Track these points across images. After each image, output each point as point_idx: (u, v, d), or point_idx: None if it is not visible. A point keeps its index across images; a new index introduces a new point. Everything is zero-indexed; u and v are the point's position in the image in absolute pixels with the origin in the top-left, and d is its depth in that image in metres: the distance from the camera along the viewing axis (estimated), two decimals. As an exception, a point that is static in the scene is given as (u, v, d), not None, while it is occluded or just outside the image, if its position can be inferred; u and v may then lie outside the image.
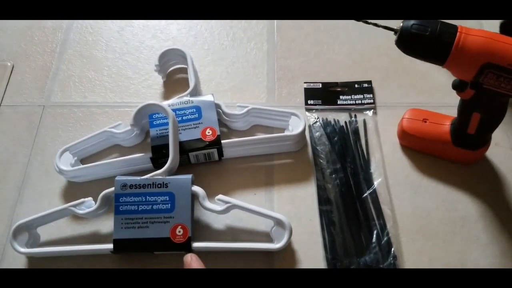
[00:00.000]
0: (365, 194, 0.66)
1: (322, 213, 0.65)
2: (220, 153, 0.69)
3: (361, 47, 0.82)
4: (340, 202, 0.66)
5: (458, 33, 0.53)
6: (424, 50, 0.54)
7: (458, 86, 0.58)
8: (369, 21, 0.57)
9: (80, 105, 0.77)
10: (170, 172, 0.64)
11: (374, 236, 0.63)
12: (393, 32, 0.56)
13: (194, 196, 0.63)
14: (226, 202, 0.61)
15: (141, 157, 0.68)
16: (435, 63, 0.55)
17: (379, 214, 0.65)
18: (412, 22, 0.54)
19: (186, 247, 0.60)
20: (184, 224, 0.60)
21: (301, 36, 0.84)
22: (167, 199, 0.61)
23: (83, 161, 0.72)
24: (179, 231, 0.60)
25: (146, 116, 0.69)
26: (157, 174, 0.62)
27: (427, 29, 0.53)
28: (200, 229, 0.65)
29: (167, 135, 0.66)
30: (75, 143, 0.70)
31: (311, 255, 0.63)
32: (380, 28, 0.57)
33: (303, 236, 0.64)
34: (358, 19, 0.58)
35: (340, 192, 0.66)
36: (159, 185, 0.61)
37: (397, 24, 0.55)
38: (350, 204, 0.65)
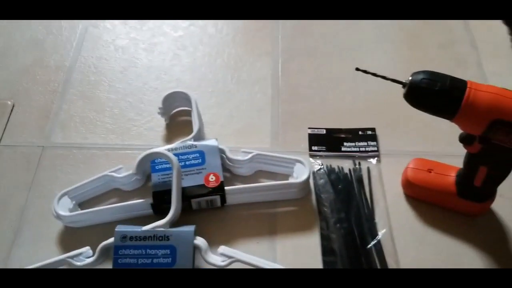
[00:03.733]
0: (370, 245, 0.65)
1: (326, 265, 0.64)
2: (223, 200, 0.68)
3: (365, 94, 0.82)
4: (344, 253, 0.64)
5: (467, 89, 0.52)
6: (433, 105, 0.54)
7: (465, 140, 0.58)
8: (377, 74, 0.57)
9: (80, 147, 0.76)
10: (172, 223, 0.62)
11: (380, 290, 0.61)
12: (401, 86, 0.55)
13: (196, 249, 0.61)
14: (229, 257, 0.60)
15: (142, 203, 0.66)
16: (444, 117, 0.55)
17: (384, 266, 0.63)
18: (421, 76, 0.54)
19: None
20: None
21: (305, 81, 0.84)
22: (168, 252, 0.59)
23: (81, 205, 0.70)
24: None
25: (148, 164, 0.68)
26: (159, 226, 0.61)
27: (436, 84, 0.53)
28: None
29: (169, 181, 0.65)
30: (74, 187, 0.69)
31: (315, 308, 0.61)
32: (388, 81, 0.57)
33: (306, 288, 0.62)
34: (366, 72, 0.58)
35: (344, 243, 0.65)
36: (160, 238, 0.60)
37: (402, 70, 0.55)
38: (354, 256, 0.64)
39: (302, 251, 0.66)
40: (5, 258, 0.66)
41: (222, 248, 0.61)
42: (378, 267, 0.63)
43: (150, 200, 0.66)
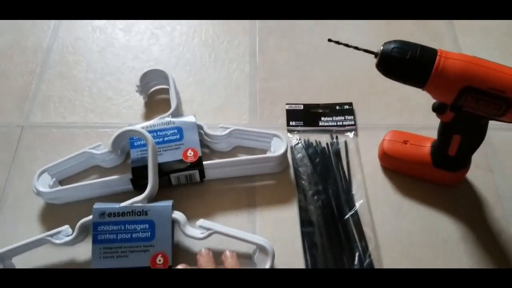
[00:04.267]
0: (347, 216, 0.66)
1: (304, 235, 0.65)
2: (202, 175, 0.68)
3: (342, 69, 0.83)
4: (322, 224, 0.65)
5: (438, 57, 0.53)
6: (404, 73, 0.55)
7: (438, 109, 0.59)
8: (350, 44, 0.58)
9: (59, 126, 0.76)
10: (150, 198, 0.63)
11: (356, 258, 0.62)
12: (373, 55, 0.56)
13: (175, 222, 0.62)
14: (208, 229, 0.61)
15: (121, 179, 0.67)
16: (415, 86, 0.56)
17: (361, 236, 0.64)
18: (392, 45, 0.54)
19: None
20: (164, 253, 0.59)
21: (282, 58, 0.85)
22: (147, 227, 0.60)
23: (62, 182, 0.70)
24: (160, 260, 0.59)
25: (126, 141, 0.69)
26: (137, 202, 0.61)
27: (407, 53, 0.54)
28: (181, 254, 0.64)
29: (148, 157, 0.65)
30: (53, 164, 0.69)
31: (293, 278, 0.62)
32: (361, 51, 0.57)
33: (285, 258, 0.63)
34: (338, 42, 0.58)
35: (322, 214, 0.66)
36: (138, 213, 0.60)
37: (377, 46, 0.56)
38: (332, 226, 0.65)
39: (281, 223, 0.66)
40: (-15, 237, 0.66)
41: (201, 221, 0.62)
42: (356, 236, 0.64)
43: (129, 175, 0.66)
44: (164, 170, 0.66)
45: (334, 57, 0.84)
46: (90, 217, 0.61)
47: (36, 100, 0.80)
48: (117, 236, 0.60)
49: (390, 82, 0.58)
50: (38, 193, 0.66)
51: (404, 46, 0.54)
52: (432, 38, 0.87)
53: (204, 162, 0.68)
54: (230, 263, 0.59)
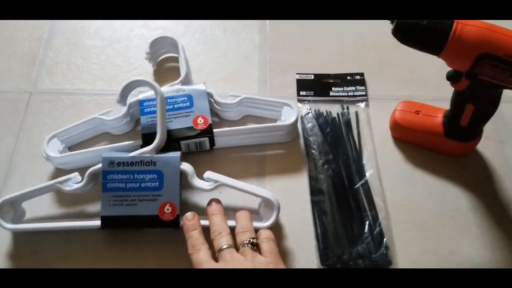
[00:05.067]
0: (357, 185, 0.66)
1: (314, 204, 0.65)
2: (212, 142, 0.68)
3: (353, 39, 0.82)
4: (332, 192, 0.65)
5: (455, 23, 0.53)
6: (420, 39, 0.54)
7: (452, 77, 0.58)
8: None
9: (68, 92, 0.76)
10: (158, 150, 0.63)
11: (366, 226, 0.62)
12: (389, 22, 0.55)
13: (183, 174, 0.62)
14: (215, 181, 0.61)
15: (131, 145, 0.66)
16: (431, 53, 0.55)
17: (371, 205, 0.65)
18: (409, 11, 0.54)
19: (174, 225, 0.60)
20: (172, 202, 0.60)
21: (293, 28, 0.84)
22: (155, 177, 0.60)
23: (71, 148, 0.70)
24: (168, 209, 0.60)
25: (132, 92, 0.67)
26: (145, 152, 0.61)
27: (424, 19, 0.53)
28: (189, 207, 0.65)
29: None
30: (63, 130, 0.68)
31: (303, 245, 0.62)
32: (373, 21, 0.56)
33: (295, 226, 0.63)
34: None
35: (332, 183, 0.66)
36: (147, 163, 0.60)
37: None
38: (342, 195, 0.65)
39: (291, 191, 0.66)
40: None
41: (208, 173, 0.62)
42: (366, 205, 0.64)
43: (139, 142, 0.66)
44: (174, 137, 0.66)
45: (345, 27, 0.83)
46: (99, 165, 0.61)
47: (44, 67, 0.79)
48: (126, 184, 0.60)
49: (402, 53, 0.57)
50: (48, 158, 0.66)
51: (421, 12, 0.54)
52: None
53: (214, 130, 0.67)
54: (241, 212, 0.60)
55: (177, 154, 0.62)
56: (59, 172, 0.68)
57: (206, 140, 0.67)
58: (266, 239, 0.57)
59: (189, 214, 0.59)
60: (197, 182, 0.62)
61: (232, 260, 0.53)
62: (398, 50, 0.56)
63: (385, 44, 0.80)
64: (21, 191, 0.62)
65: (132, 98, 0.69)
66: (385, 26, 0.56)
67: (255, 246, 0.55)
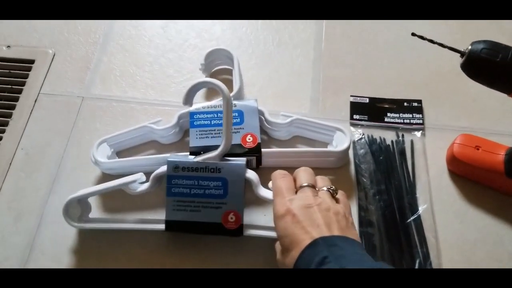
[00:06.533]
0: (409, 220, 0.63)
1: (363, 236, 0.62)
2: (259, 162, 0.67)
3: (411, 64, 0.79)
4: (382, 225, 0.63)
5: (531, 61, 0.49)
6: (492, 77, 0.52)
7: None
8: (434, 40, 0.54)
9: (119, 100, 0.76)
10: (222, 156, 0.61)
11: (417, 264, 0.60)
12: (459, 55, 0.53)
13: (247, 182, 0.61)
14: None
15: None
16: (502, 91, 0.52)
17: (423, 241, 0.62)
18: (481, 45, 0.51)
19: (238, 233, 0.59)
20: (236, 211, 0.59)
21: (349, 47, 0.81)
22: (220, 184, 0.59)
23: (119, 154, 0.71)
24: (231, 218, 0.59)
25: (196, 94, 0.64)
26: (210, 158, 0.60)
27: (498, 55, 0.50)
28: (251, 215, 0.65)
29: (206, 138, 0.65)
30: (113, 135, 0.68)
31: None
32: (434, 46, 0.54)
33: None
34: (423, 37, 0.55)
35: (383, 215, 0.63)
36: (212, 170, 0.60)
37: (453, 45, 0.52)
38: (393, 229, 0.62)
39: (338, 220, 0.64)
40: (43, 205, 0.66)
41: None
42: (417, 241, 0.62)
43: (187, 154, 0.65)
44: (222, 153, 0.65)
45: (404, 51, 0.80)
46: (163, 168, 0.61)
47: (98, 72, 0.79)
48: (190, 190, 0.60)
49: (463, 81, 0.54)
50: (96, 163, 0.66)
51: (495, 47, 0.51)
52: (509, 39, 0.82)
53: (262, 150, 0.66)
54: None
55: (242, 161, 0.61)
56: (105, 177, 0.68)
57: (253, 159, 0.66)
58: (342, 194, 0.56)
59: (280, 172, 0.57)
60: (262, 191, 0.60)
61: (313, 197, 0.52)
62: (458, 78, 0.53)
63: (446, 71, 0.76)
64: (86, 190, 0.62)
65: (182, 109, 0.69)
66: (446, 52, 0.54)
67: (335, 193, 0.54)
